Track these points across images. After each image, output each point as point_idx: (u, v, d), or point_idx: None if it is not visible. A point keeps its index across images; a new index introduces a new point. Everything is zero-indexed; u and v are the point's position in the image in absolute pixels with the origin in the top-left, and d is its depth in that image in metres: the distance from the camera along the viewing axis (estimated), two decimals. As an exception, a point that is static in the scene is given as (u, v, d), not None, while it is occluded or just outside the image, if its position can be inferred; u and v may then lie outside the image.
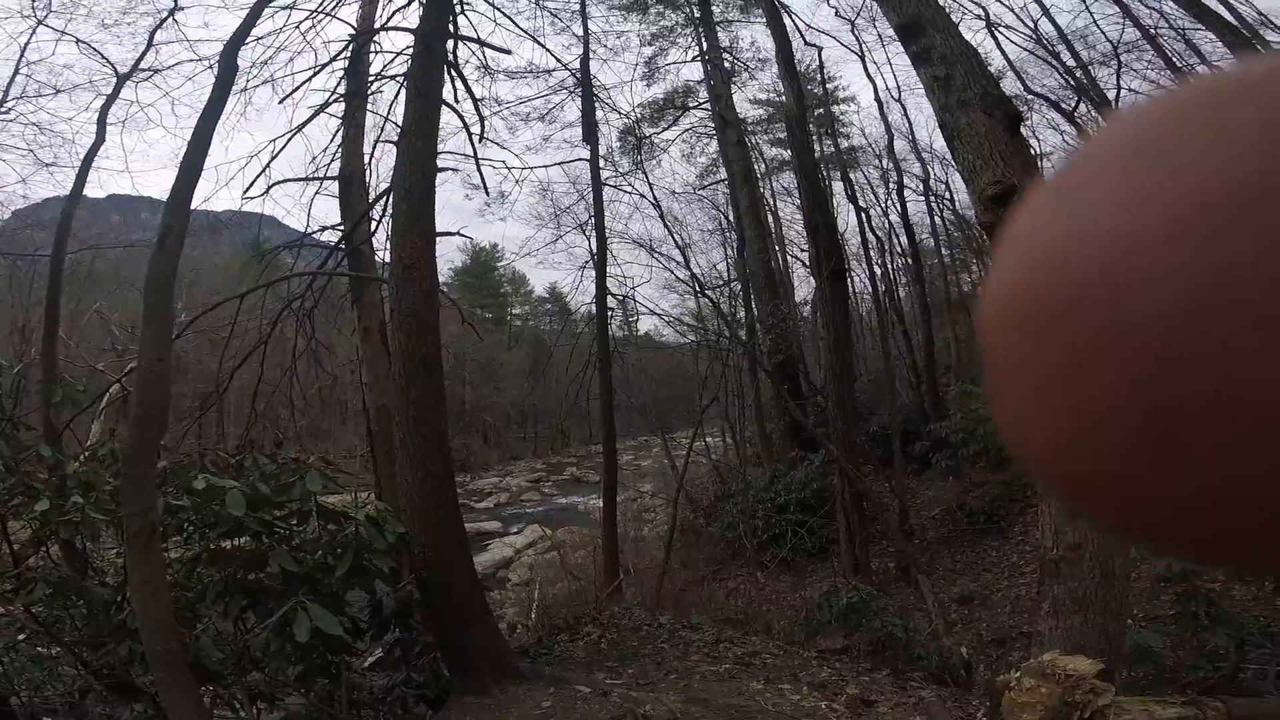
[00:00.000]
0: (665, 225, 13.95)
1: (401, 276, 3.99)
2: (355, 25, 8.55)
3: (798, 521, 10.27)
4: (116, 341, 15.40)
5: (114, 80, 9.55)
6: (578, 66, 10.91)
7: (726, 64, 13.29)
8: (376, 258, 7.11)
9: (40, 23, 9.73)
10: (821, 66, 13.49)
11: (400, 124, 5.37)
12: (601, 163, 10.67)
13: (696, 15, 13.12)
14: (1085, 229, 0.18)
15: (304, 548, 4.25)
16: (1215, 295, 0.15)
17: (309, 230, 7.63)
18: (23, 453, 6.05)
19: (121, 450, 3.66)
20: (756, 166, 15.47)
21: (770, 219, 16.71)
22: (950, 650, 6.22)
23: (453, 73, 6.39)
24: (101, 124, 9.37)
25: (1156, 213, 0.17)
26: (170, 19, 9.46)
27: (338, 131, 8.01)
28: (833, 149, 14.75)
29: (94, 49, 9.95)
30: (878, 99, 13.76)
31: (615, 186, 13.11)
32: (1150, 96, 0.21)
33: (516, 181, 11.31)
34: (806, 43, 12.65)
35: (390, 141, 9.45)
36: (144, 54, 9.45)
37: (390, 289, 4.16)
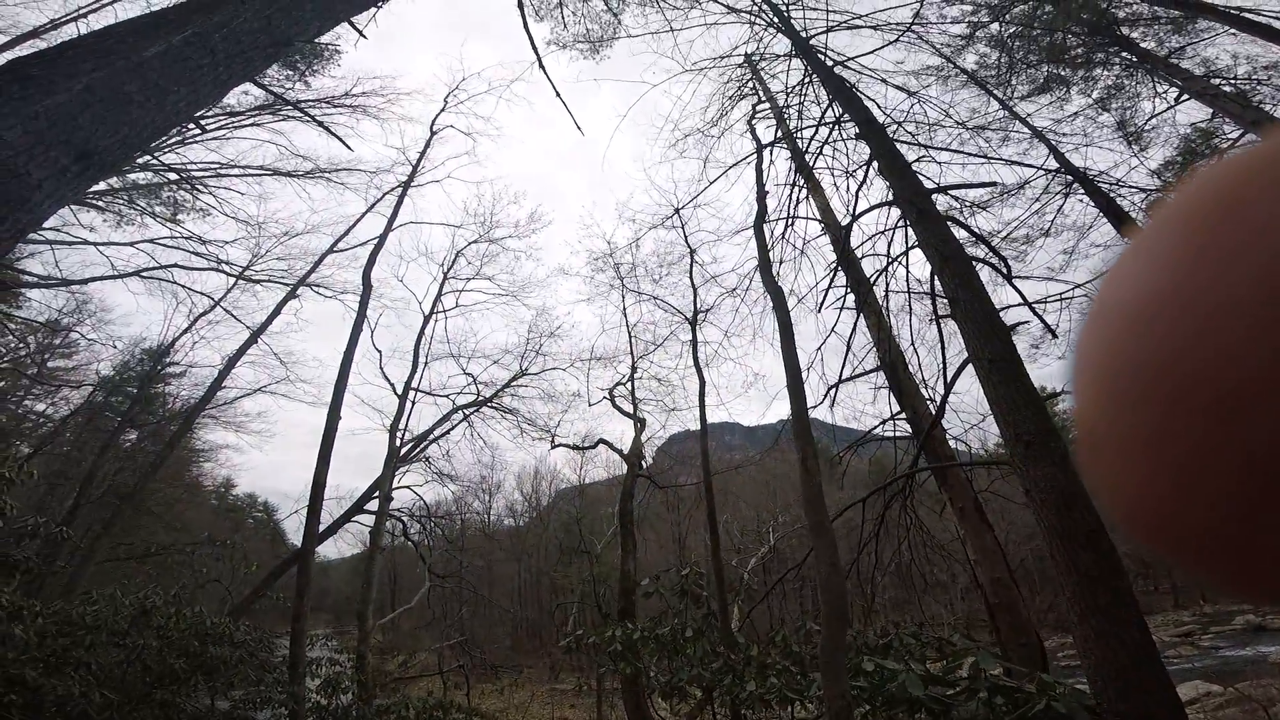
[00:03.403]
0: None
1: (1024, 454, 3.83)
2: (820, 218, 9.22)
3: None
4: (738, 543, 19.31)
5: (688, 325, 13.21)
6: (1054, 166, 9.76)
7: (1226, 87, 10.01)
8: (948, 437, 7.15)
9: (625, 287, 14.60)
10: None
11: (944, 295, 5.38)
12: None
13: (1132, 60, 10.55)
14: (1172, 290, 0.18)
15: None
16: None
17: (877, 425, 8.24)
18: (721, 639, 7.84)
19: (820, 641, 4.31)
20: None
21: None
22: None
23: (951, 223, 6.30)
24: (698, 367, 12.77)
25: (1245, 270, 0.17)
26: (693, 262, 12.90)
27: (855, 323, 8.12)
28: None
29: (670, 305, 14.11)
30: None
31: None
32: (1231, 154, 0.20)
33: (1060, 308, 10.09)
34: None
35: (922, 318, 9.82)
36: (695, 297, 12.89)
37: (1016, 468, 4.03)
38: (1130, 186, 9.73)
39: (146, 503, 15.91)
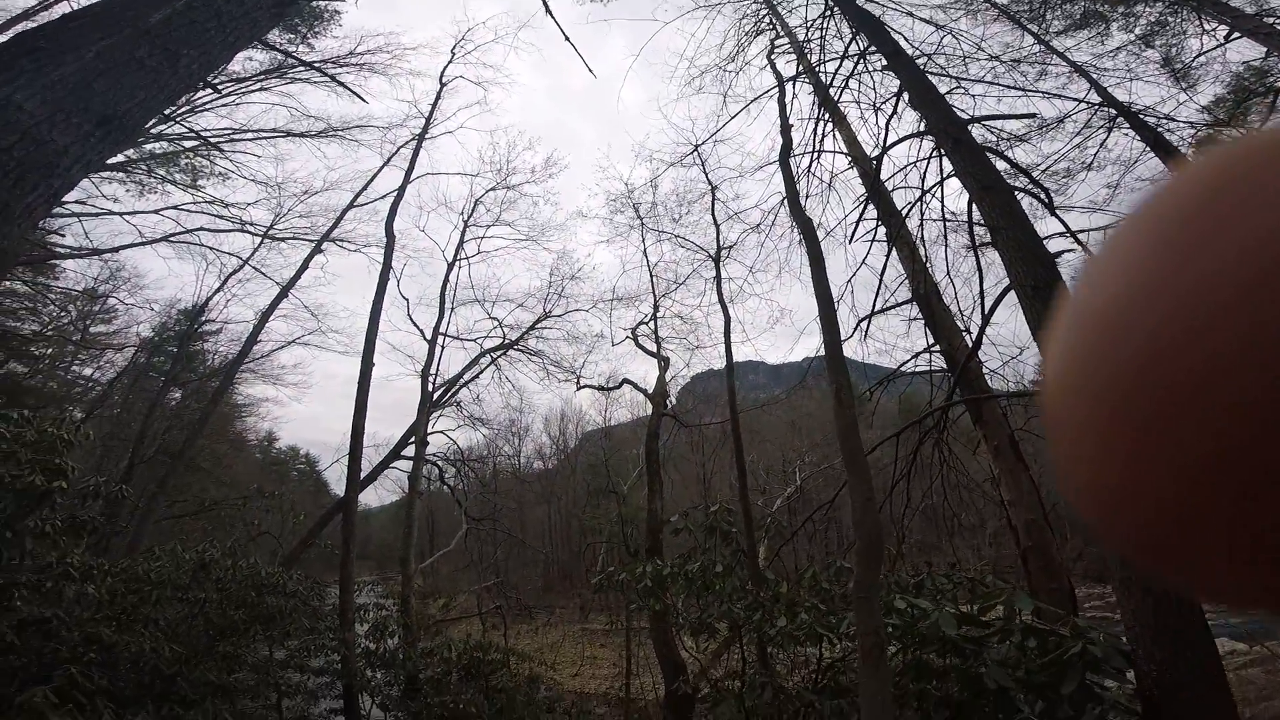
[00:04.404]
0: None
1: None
2: (847, 152, 8.71)
3: None
4: (763, 484, 19.56)
5: (712, 262, 12.88)
6: (1096, 100, 9.15)
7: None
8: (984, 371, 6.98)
9: (645, 227, 14.38)
10: None
11: (984, 223, 5.13)
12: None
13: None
14: (1141, 287, 0.18)
15: (1005, 664, 4.21)
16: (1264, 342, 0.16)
17: (907, 359, 8.09)
18: (750, 577, 8.01)
19: (853, 576, 4.38)
20: None
21: None
22: None
23: (989, 155, 5.95)
24: (723, 303, 12.49)
25: (1209, 266, 0.17)
26: (714, 199, 12.52)
27: (887, 255, 7.80)
28: None
29: (692, 242, 13.85)
30: None
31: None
32: (1199, 155, 0.20)
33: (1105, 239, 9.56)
34: None
35: (957, 250, 9.42)
36: (718, 234, 12.52)
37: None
38: (1178, 121, 9.14)
39: (196, 459, 16.58)
